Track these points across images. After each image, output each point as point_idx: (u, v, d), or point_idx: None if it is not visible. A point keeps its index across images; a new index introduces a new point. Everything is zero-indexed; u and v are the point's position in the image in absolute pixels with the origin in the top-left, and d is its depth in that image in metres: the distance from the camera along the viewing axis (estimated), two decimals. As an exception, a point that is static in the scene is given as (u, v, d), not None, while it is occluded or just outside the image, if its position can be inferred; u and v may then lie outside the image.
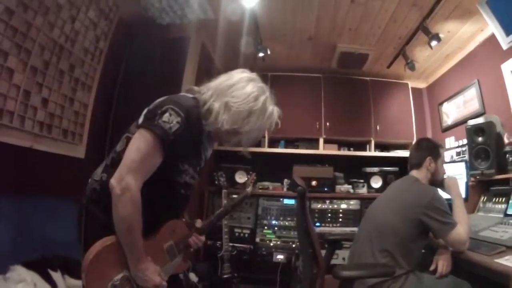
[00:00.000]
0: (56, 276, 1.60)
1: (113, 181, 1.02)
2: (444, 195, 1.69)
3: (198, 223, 1.36)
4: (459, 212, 1.63)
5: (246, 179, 1.81)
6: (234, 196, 3.12)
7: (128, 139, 1.11)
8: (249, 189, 1.83)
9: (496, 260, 1.39)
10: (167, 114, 1.07)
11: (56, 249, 1.74)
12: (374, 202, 1.89)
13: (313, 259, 1.61)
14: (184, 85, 2.91)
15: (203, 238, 1.37)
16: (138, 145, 1.05)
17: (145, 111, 1.15)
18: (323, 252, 2.01)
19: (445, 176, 1.83)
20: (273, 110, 1.25)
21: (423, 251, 1.75)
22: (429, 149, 1.78)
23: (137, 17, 2.74)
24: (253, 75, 1.26)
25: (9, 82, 1.78)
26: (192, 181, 1.25)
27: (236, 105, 1.16)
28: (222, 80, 1.23)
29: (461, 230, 1.51)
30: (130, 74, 2.74)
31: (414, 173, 1.78)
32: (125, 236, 1.04)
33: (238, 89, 1.19)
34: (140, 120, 1.12)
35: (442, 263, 1.57)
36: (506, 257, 1.40)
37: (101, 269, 1.04)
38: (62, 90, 2.15)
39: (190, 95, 1.23)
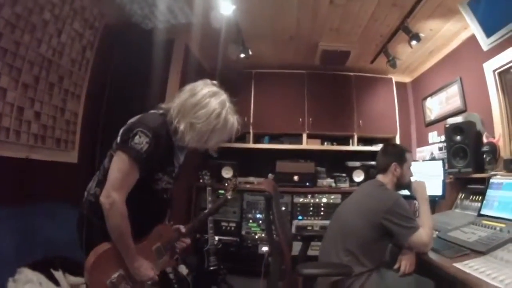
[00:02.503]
0: (58, 275, 1.88)
1: (102, 198, 1.30)
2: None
3: (182, 229, 1.65)
4: (424, 216, 1.73)
5: (226, 184, 2.06)
6: (220, 191, 3.43)
7: (111, 156, 1.38)
8: (228, 194, 2.08)
9: (454, 264, 1.43)
10: (137, 137, 1.32)
11: (56, 249, 1.99)
12: (342, 204, 2.06)
13: (281, 256, 1.85)
14: (170, 87, 3.14)
15: (188, 240, 1.67)
16: (118, 166, 1.32)
17: (121, 131, 1.40)
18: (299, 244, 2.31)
19: (412, 180, 1.93)
20: (234, 121, 1.46)
21: (390, 244, 1.94)
22: (395, 155, 1.90)
23: (121, 23, 2.92)
24: (215, 88, 1.45)
25: (3, 101, 2.01)
26: (168, 186, 1.52)
27: (200, 125, 1.39)
28: (186, 98, 1.42)
29: (423, 234, 1.61)
30: (117, 79, 2.95)
31: (380, 177, 1.91)
32: (118, 241, 1.33)
33: (201, 108, 1.39)
34: (118, 140, 1.38)
35: (405, 263, 1.68)
36: (465, 262, 1.44)
37: (100, 270, 1.33)
38: (53, 101, 2.38)
39: (159, 112, 1.47)
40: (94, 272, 1.32)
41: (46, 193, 2.23)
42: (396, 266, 1.71)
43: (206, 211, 2.05)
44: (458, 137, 2.46)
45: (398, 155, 1.91)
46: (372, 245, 1.70)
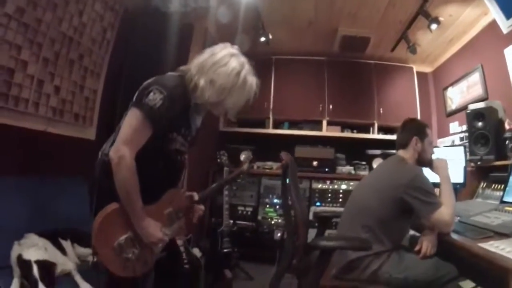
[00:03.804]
0: (66, 244, 1.79)
1: (111, 153, 1.23)
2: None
3: (195, 196, 1.53)
4: (446, 194, 1.59)
5: (243, 156, 1.92)
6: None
7: None
8: (245, 166, 1.94)
9: (480, 244, 1.34)
10: (152, 93, 1.24)
11: (67, 223, 1.92)
12: (359, 182, 1.93)
13: (295, 231, 1.69)
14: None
15: (202, 207, 1.54)
16: (130, 121, 1.25)
17: (137, 92, 1.32)
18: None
19: (434, 157, 1.79)
20: (252, 82, 1.39)
21: (411, 233, 1.80)
22: (415, 129, 1.76)
23: (141, 7, 2.87)
24: (235, 50, 1.38)
25: (23, 73, 1.99)
26: (183, 148, 1.43)
27: (219, 82, 1.31)
28: (206, 57, 1.35)
29: (444, 212, 1.47)
30: (137, 61, 2.89)
31: (400, 152, 1.76)
32: (125, 198, 1.23)
33: (221, 67, 1.32)
34: (133, 99, 1.30)
35: (426, 244, 1.55)
36: (490, 242, 1.34)
37: (108, 231, 1.23)
38: (73, 77, 2.35)
39: (176, 74, 1.39)
40: (101, 232, 1.22)
41: (62, 167, 2.19)
42: (417, 248, 1.57)
43: (219, 181, 1.91)
44: (480, 124, 2.32)
45: (418, 129, 1.76)
46: (392, 222, 1.56)
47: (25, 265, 1.45)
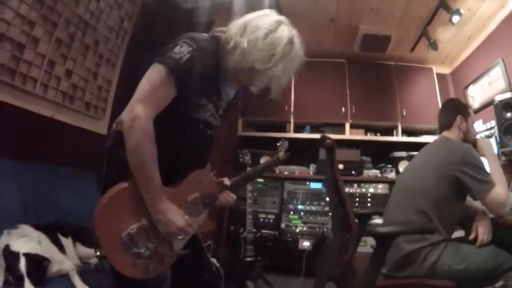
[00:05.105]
0: (66, 241, 1.43)
1: (123, 114, 0.93)
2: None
3: (226, 181, 1.20)
4: (496, 172, 1.43)
5: (278, 144, 1.63)
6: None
7: None
8: (281, 154, 1.61)
9: None
10: (178, 47, 0.99)
11: (70, 219, 1.58)
12: (404, 169, 1.77)
13: (344, 223, 1.39)
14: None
15: (234, 195, 1.21)
16: (150, 76, 0.97)
17: None
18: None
19: (477, 137, 1.69)
20: (302, 57, 1.11)
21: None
22: (458, 108, 1.63)
23: (160, 1, 2.66)
24: (283, 18, 1.10)
25: (34, 51, 1.73)
26: (214, 121, 1.13)
27: (269, 51, 1.02)
28: (249, 19, 1.07)
29: (500, 191, 1.32)
30: (154, 56, 2.64)
31: (445, 133, 1.61)
32: (138, 171, 0.90)
33: (271, 32, 1.03)
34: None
35: (482, 230, 1.37)
36: None
37: (115, 216, 0.88)
38: (86, 63, 2.07)
39: (207, 34, 1.11)
40: (106, 218, 0.87)
41: (68, 159, 1.87)
42: (472, 236, 1.40)
43: (254, 168, 1.57)
44: (508, 114, 2.21)
45: (461, 107, 1.64)
46: (445, 205, 1.38)
47: (11, 257, 1.09)
